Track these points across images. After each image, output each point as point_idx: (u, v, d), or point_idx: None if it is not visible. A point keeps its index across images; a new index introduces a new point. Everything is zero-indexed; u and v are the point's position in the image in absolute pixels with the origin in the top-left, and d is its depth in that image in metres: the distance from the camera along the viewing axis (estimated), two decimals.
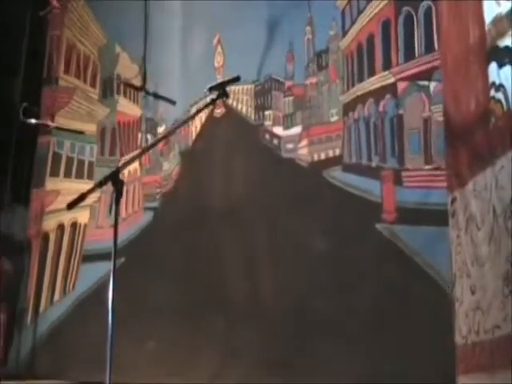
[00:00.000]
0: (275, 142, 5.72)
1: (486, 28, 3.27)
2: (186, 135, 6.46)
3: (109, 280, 3.19)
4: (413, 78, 4.67)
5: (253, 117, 5.96)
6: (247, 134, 5.99)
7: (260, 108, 5.89)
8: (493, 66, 3.21)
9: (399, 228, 4.57)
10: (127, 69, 7.01)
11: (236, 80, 3.81)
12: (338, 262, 4.87)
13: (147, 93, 5.93)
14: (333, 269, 4.88)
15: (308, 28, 5.55)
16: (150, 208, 6.69)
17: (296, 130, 5.56)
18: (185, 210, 6.14)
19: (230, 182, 5.86)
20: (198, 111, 4.14)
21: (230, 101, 5.96)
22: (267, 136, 5.80)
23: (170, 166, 6.61)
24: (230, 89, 5.82)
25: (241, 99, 6.03)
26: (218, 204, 5.85)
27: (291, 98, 5.67)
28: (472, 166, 3.35)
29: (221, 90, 3.59)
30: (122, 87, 7.07)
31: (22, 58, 7.15)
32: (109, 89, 7.31)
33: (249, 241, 5.62)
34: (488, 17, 3.26)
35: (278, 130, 5.71)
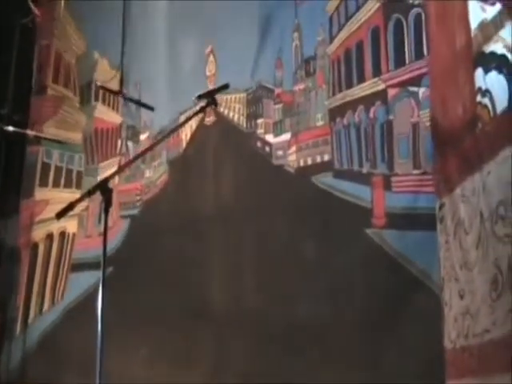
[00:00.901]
0: (267, 149, 5.72)
1: (472, 34, 3.29)
2: (175, 144, 6.46)
3: (98, 289, 3.20)
4: (403, 85, 4.69)
5: (244, 125, 5.96)
6: (238, 142, 6.00)
7: (252, 116, 5.90)
8: (479, 71, 3.24)
9: (388, 233, 4.59)
10: (106, 75, 6.99)
11: (225, 88, 3.81)
12: (327, 266, 4.87)
13: (124, 98, 5.92)
14: (322, 273, 4.89)
15: (295, 34, 5.57)
16: (127, 216, 6.68)
17: (285, 136, 5.57)
18: (170, 216, 6.14)
19: (221, 189, 5.86)
20: (187, 119, 4.13)
21: (221, 109, 6.01)
22: (259, 144, 5.81)
23: (154, 173, 6.60)
24: (223, 97, 5.96)
25: (233, 107, 6.04)
26: (208, 211, 5.85)
27: (280, 105, 5.67)
28: (460, 172, 3.37)
29: (210, 97, 3.59)
30: (100, 93, 7.06)
31: (11, 67, 7.14)
32: (86, 96, 7.31)
33: (237, 247, 5.62)
34: (474, 22, 3.28)
35: (270, 138, 5.72)
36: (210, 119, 6.15)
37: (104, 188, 3.27)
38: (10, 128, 5.92)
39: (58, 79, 7.58)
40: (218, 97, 5.36)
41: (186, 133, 6.36)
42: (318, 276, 4.91)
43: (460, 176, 3.35)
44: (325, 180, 5.16)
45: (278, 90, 5.70)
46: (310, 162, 5.31)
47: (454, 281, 3.35)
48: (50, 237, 7.23)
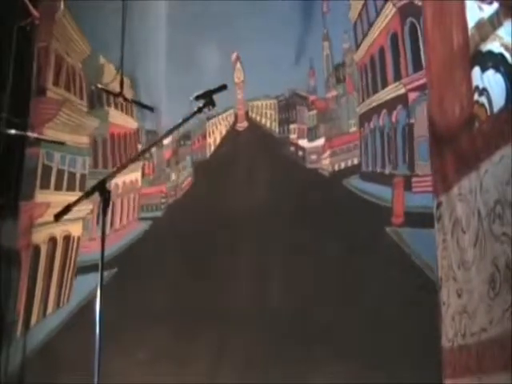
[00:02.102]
0: (300, 153, 5.84)
1: (470, 33, 3.29)
2: (201, 147, 6.53)
3: (102, 291, 3.20)
4: (422, 88, 4.75)
5: (277, 130, 6.07)
6: (271, 147, 6.08)
7: (284, 122, 6.01)
8: (476, 70, 3.23)
9: (406, 231, 4.72)
10: (114, 80, 7.02)
11: (223, 88, 3.82)
12: (346, 264, 4.98)
13: (125, 99, 5.94)
14: (341, 272, 4.99)
15: (326, 43, 5.68)
16: (148, 218, 6.70)
17: (319, 141, 5.70)
18: (195, 220, 6.16)
19: (255, 192, 5.91)
20: (185, 120, 4.13)
21: (253, 115, 6.13)
22: (292, 148, 5.92)
23: (179, 177, 6.64)
24: (253, 104, 6.04)
25: (264, 113, 6.14)
26: (240, 214, 5.87)
27: (315, 112, 5.79)
28: (457, 170, 3.37)
29: (208, 98, 3.59)
30: (111, 98, 7.08)
31: (9, 69, 7.14)
32: (98, 100, 7.32)
33: (268, 249, 5.66)
34: (471, 21, 3.28)
35: (303, 143, 5.84)
36: (242, 124, 6.25)
37: (102, 189, 3.28)
38: (10, 130, 5.96)
39: (58, 82, 7.58)
40: (249, 103, 5.48)
41: (214, 137, 6.43)
42: (341, 274, 4.99)
43: (457, 175, 3.35)
44: (353, 182, 5.31)
45: (312, 97, 5.82)
46: (343, 165, 5.42)
47: (451, 280, 3.35)
48: (52, 240, 7.22)
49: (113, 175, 3.80)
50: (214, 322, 5.57)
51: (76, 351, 6.12)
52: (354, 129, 5.45)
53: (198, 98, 3.64)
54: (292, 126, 5.95)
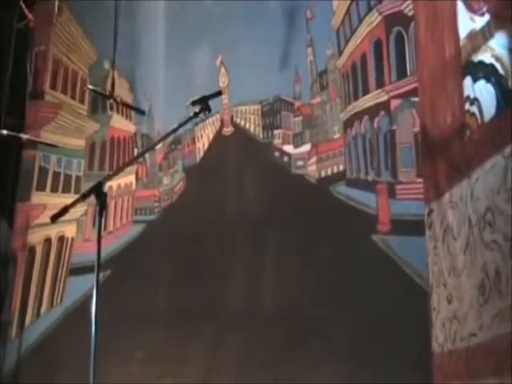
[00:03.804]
0: (285, 159, 5.79)
1: (461, 43, 3.30)
2: (191, 152, 6.52)
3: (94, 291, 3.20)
4: (405, 95, 4.74)
5: (261, 135, 6.03)
6: (256, 152, 6.04)
7: (268, 127, 5.97)
8: (468, 80, 3.24)
9: (392, 239, 4.66)
10: (116, 85, 7.03)
11: (218, 94, 3.82)
12: (334, 271, 4.93)
13: (116, 101, 5.94)
14: (332, 276, 4.94)
15: (310, 49, 5.65)
16: (142, 221, 6.70)
17: (305, 147, 5.66)
18: (188, 223, 6.15)
19: (242, 196, 5.90)
20: (181, 125, 4.13)
21: (238, 120, 6.08)
22: (277, 154, 5.87)
23: (172, 181, 6.64)
24: (238, 109, 6.02)
25: (248, 118, 6.10)
26: (229, 217, 5.87)
27: (300, 118, 5.75)
28: (448, 178, 3.38)
29: (203, 103, 3.59)
30: (114, 103, 7.08)
31: (7, 71, 7.12)
32: (100, 104, 7.33)
33: (255, 252, 5.65)
34: (463, 32, 3.29)
35: (289, 148, 5.79)
36: (228, 129, 6.23)
37: (99, 191, 3.27)
38: (4, 132, 5.93)
39: (56, 85, 7.57)
40: (234, 108, 5.45)
41: (202, 142, 6.42)
42: (324, 279, 4.96)
43: (448, 182, 3.35)
44: (339, 189, 5.26)
45: (297, 103, 5.77)
46: (329, 172, 5.40)
47: (442, 286, 3.36)
48: (48, 241, 7.22)
49: (109, 178, 3.79)
50: (206, 323, 5.56)
51: (69, 351, 6.12)
52: (338, 135, 5.39)
53: (193, 103, 3.63)
54: (276, 132, 5.90)
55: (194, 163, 6.48)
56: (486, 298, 2.93)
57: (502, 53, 2.95)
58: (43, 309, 7.02)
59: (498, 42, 3.00)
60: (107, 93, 6.60)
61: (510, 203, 2.78)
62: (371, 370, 4.35)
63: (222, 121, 6.09)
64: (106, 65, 7.15)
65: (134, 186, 6.72)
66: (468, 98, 3.21)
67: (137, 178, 6.76)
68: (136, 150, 6.93)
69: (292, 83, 5.79)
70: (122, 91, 6.78)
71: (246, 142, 6.12)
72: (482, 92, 3.10)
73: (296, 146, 5.73)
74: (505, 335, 2.76)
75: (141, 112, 5.95)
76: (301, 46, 5.69)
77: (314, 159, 5.54)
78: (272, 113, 5.91)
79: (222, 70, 6.23)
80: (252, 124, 6.06)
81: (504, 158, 2.81)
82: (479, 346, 2.97)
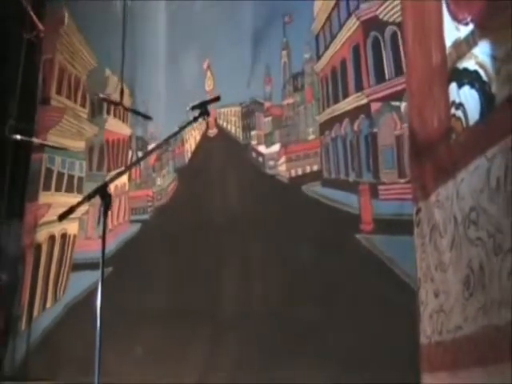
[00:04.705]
0: (260, 159, 5.79)
1: (447, 51, 3.31)
2: (181, 153, 6.51)
3: (97, 288, 3.20)
4: (385, 99, 4.74)
5: (241, 137, 6.04)
6: (237, 153, 6.05)
7: (247, 128, 5.97)
8: (453, 86, 3.25)
9: (376, 238, 4.65)
10: (116, 90, 7.03)
11: (217, 100, 3.83)
12: (320, 269, 4.91)
13: (125, 108, 5.95)
14: (315, 276, 4.92)
15: (284, 52, 5.62)
16: (138, 220, 6.69)
17: (275, 147, 5.63)
18: (179, 222, 6.15)
19: (225, 197, 5.90)
20: (181, 128, 4.17)
21: (220, 122, 6.04)
22: (253, 154, 5.88)
23: (165, 181, 6.63)
24: (221, 111, 6.00)
25: (230, 120, 6.10)
26: (215, 217, 5.87)
27: (270, 118, 5.74)
28: (435, 179, 3.38)
29: (202, 108, 3.60)
30: (111, 107, 7.09)
31: (17, 79, 7.16)
32: (97, 109, 7.34)
33: (240, 251, 5.64)
34: (449, 41, 3.30)
35: (262, 149, 5.79)
36: (212, 131, 6.23)
37: (103, 192, 3.28)
38: (18, 136, 5.94)
39: (61, 91, 7.59)
40: (217, 110, 5.44)
41: (190, 143, 6.41)
42: (311, 277, 4.93)
43: (435, 183, 3.36)
44: (314, 189, 5.21)
45: (267, 104, 5.77)
46: (300, 172, 5.36)
47: (429, 281, 3.37)
48: (52, 238, 7.22)
49: (114, 179, 3.81)
50: (199, 321, 5.53)
51: (72, 344, 6.13)
52: (312, 136, 5.37)
53: (193, 108, 3.64)
54: (253, 133, 5.91)
55: (184, 164, 6.48)
56: (470, 291, 2.95)
57: (486, 60, 2.95)
58: (48, 303, 7.04)
59: (481, 50, 3.00)
60: (103, 97, 6.64)
61: (493, 202, 2.80)
62: (359, 370, 4.32)
63: (207, 123, 6.05)
64: (106, 71, 7.16)
65: (127, 187, 6.73)
66: (454, 102, 3.22)
67: (129, 179, 6.75)
68: (130, 152, 6.93)
69: (263, 85, 5.78)
70: (123, 97, 6.78)
71: (228, 143, 6.13)
72: (467, 97, 3.11)
73: (267, 146, 5.72)
74: (488, 327, 2.77)
75: (147, 117, 5.95)
76: (275, 48, 5.68)
77: (283, 159, 5.51)
78: (249, 114, 5.92)
79: (208, 73, 6.22)
80: (233, 126, 6.07)
81: (487, 160, 2.82)
82: (464, 338, 2.98)
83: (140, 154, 6.90)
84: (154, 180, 6.72)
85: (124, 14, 6.16)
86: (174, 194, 6.51)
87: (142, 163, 6.83)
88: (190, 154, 6.48)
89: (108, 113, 7.25)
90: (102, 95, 6.62)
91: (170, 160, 6.61)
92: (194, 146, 6.42)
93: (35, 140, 6.55)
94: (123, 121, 7.10)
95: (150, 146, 6.77)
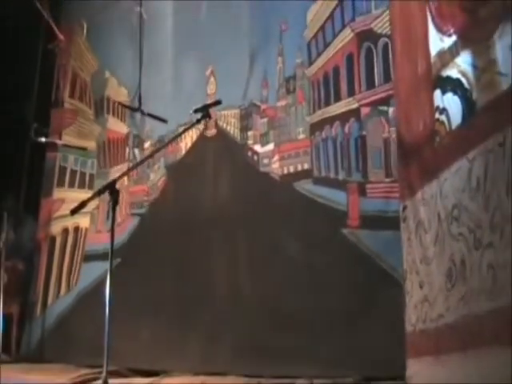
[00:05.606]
0: (255, 158, 5.82)
1: (432, 60, 3.34)
2: (173, 151, 6.53)
3: (106, 277, 3.23)
4: (374, 104, 4.76)
5: (239, 137, 6.06)
6: (234, 152, 6.07)
7: (244, 129, 6.00)
8: (437, 92, 3.28)
9: (362, 232, 4.66)
10: (115, 91, 7.10)
11: (218, 103, 3.86)
12: (309, 262, 4.91)
13: (143, 113, 5.97)
14: (304, 268, 4.92)
15: (280, 58, 5.66)
16: (137, 214, 6.71)
17: (269, 147, 5.66)
18: (171, 216, 6.17)
19: (218, 192, 5.92)
20: (185, 129, 4.20)
21: (221, 123, 6.07)
22: (250, 153, 5.90)
23: (156, 176, 6.65)
24: (221, 113, 6.03)
25: (229, 122, 6.12)
26: (207, 211, 5.89)
27: (265, 119, 5.77)
28: (420, 179, 3.41)
29: (205, 111, 3.62)
30: (111, 107, 7.14)
31: (34, 84, 7.21)
32: (100, 109, 7.37)
33: (231, 244, 5.65)
34: (433, 51, 3.32)
35: (257, 148, 5.81)
36: (211, 132, 6.24)
37: (112, 189, 3.31)
38: (43, 139, 6.00)
39: (73, 94, 7.63)
40: (218, 113, 5.45)
41: (185, 142, 6.42)
42: (299, 269, 4.94)
43: (420, 182, 3.39)
44: (305, 186, 5.22)
45: (263, 106, 5.80)
46: (292, 170, 5.38)
47: (414, 273, 3.39)
48: (65, 231, 7.27)
49: (123, 175, 3.83)
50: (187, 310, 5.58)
51: (86, 328, 6.17)
52: (302, 136, 5.39)
53: (196, 111, 3.65)
54: (250, 133, 5.94)
55: (175, 161, 6.52)
56: (452, 283, 2.97)
57: (467, 69, 2.98)
58: (62, 291, 7.08)
59: (463, 59, 3.03)
60: (123, 104, 6.67)
61: (474, 201, 2.82)
62: (347, 363, 4.29)
63: (205, 124, 6.08)
64: (107, 73, 7.20)
65: (126, 183, 6.75)
66: (438, 108, 3.25)
67: (128, 176, 6.77)
68: (127, 149, 6.96)
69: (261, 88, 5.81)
70: (122, 98, 6.83)
71: (225, 143, 6.17)
72: (450, 103, 3.14)
73: (262, 145, 5.75)
74: (468, 316, 2.80)
75: (163, 121, 5.94)
76: (273, 54, 5.73)
77: (276, 157, 5.54)
78: (247, 116, 5.94)
79: (212, 79, 6.23)
80: (232, 127, 6.09)
81: (468, 162, 2.85)
82: (446, 326, 3.01)
83: (136, 150, 6.93)
84: (148, 175, 6.75)
85: (140, 26, 6.16)
86: (164, 188, 6.54)
87: (137, 160, 6.86)
88: (183, 152, 6.52)
89: (108, 112, 7.28)
90: (120, 102, 6.67)
91: (161, 156, 6.66)
92: (189, 145, 6.45)
93: (58, 142, 6.63)
94: (121, 120, 7.14)
95: (146, 144, 6.80)
